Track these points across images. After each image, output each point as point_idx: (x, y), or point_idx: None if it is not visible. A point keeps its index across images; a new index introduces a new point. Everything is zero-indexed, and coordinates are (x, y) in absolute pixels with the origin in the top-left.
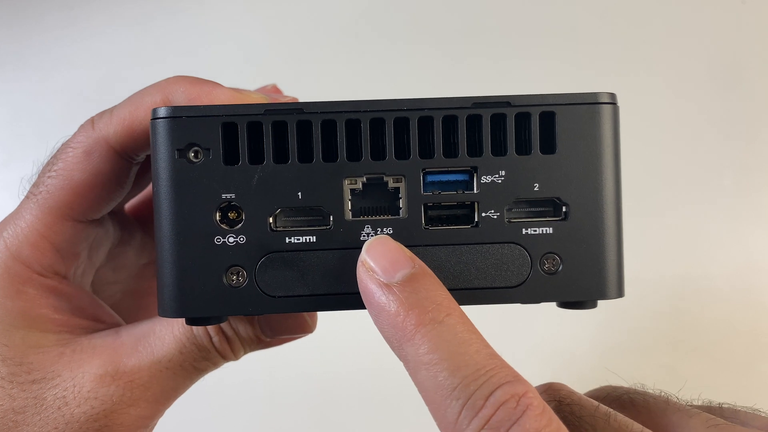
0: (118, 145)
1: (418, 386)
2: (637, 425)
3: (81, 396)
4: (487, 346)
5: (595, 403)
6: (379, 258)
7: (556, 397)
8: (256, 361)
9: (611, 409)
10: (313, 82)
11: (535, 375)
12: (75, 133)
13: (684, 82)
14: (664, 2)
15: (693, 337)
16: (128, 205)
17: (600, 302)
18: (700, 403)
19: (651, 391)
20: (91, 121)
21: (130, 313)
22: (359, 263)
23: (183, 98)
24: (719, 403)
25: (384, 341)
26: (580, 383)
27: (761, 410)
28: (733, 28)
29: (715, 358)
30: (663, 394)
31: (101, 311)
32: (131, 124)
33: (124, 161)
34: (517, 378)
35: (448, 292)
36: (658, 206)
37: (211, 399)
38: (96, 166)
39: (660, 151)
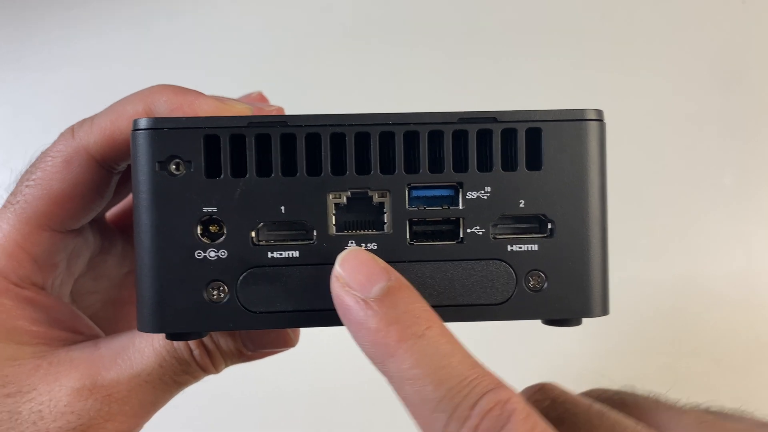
0: (99, 154)
1: (404, 401)
2: (630, 421)
3: (57, 410)
4: (469, 355)
5: (589, 400)
6: (354, 272)
7: (550, 395)
8: (245, 372)
9: (605, 407)
10: (313, 82)
11: (532, 378)
12: (55, 142)
13: (684, 82)
14: (665, 2)
15: (692, 337)
16: (109, 214)
17: None
18: (687, 405)
19: (640, 392)
20: (71, 130)
21: (110, 322)
22: (333, 278)
23: (165, 108)
24: (707, 407)
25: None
26: (577, 385)
27: (747, 411)
28: (734, 28)
29: (715, 359)
30: (652, 394)
31: (79, 322)
32: (112, 133)
33: (104, 171)
34: (499, 385)
35: (425, 302)
36: (658, 206)
37: (198, 408)
38: (75, 175)
39: (660, 151)
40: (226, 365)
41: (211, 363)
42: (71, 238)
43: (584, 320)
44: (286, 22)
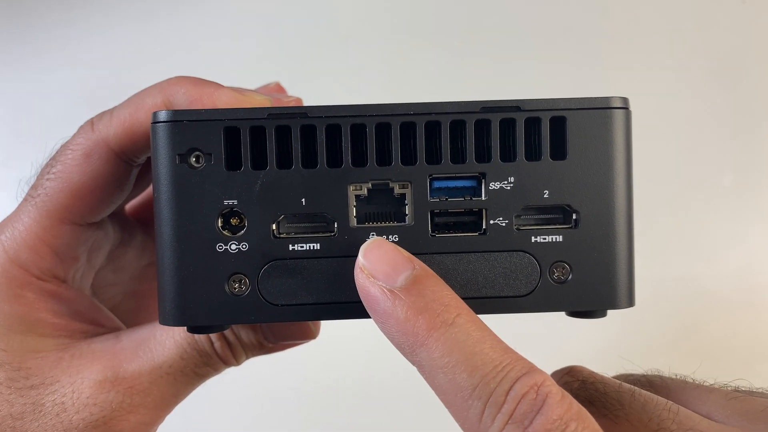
0: (118, 147)
1: (437, 390)
2: (661, 398)
3: (80, 402)
4: (499, 341)
5: (618, 381)
6: (378, 262)
7: (579, 377)
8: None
9: (634, 386)
10: (315, 79)
11: None
12: (74, 135)
13: (684, 82)
14: (665, 2)
15: (693, 337)
16: (129, 206)
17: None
18: (715, 384)
19: (667, 374)
20: (91, 123)
21: (130, 315)
22: (357, 269)
23: (184, 100)
24: (735, 386)
25: (381, 346)
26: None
27: None
28: (734, 28)
29: (715, 358)
30: (679, 375)
31: (100, 315)
32: (131, 126)
33: (124, 163)
34: (532, 369)
35: (451, 290)
36: (658, 206)
37: (211, 403)
38: (95, 168)
39: (660, 151)
40: (247, 357)
41: (232, 355)
42: (92, 231)
43: (581, 320)
44: (289, 22)
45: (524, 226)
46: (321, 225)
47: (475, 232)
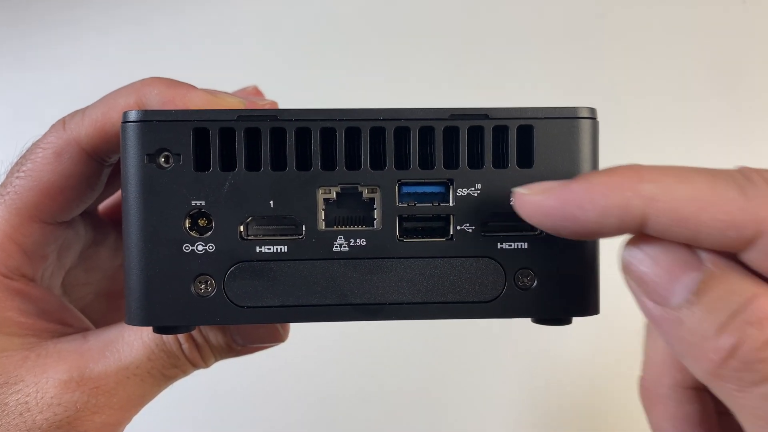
0: (90, 147)
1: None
2: None
3: (44, 402)
4: None
5: None
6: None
7: None
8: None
9: None
10: (313, 82)
11: (529, 379)
12: (45, 133)
13: (684, 82)
14: (665, 2)
15: None
16: (102, 206)
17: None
18: None
19: None
20: (63, 122)
21: (102, 315)
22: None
23: (157, 100)
24: None
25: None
26: (572, 387)
27: None
28: (734, 29)
29: None
30: None
31: (69, 315)
32: (103, 126)
33: (95, 163)
34: None
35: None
36: None
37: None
38: (66, 167)
39: (660, 152)
40: (216, 360)
41: (201, 357)
42: (62, 230)
43: (580, 320)
44: (286, 23)
45: (491, 232)
46: (289, 228)
47: (443, 238)
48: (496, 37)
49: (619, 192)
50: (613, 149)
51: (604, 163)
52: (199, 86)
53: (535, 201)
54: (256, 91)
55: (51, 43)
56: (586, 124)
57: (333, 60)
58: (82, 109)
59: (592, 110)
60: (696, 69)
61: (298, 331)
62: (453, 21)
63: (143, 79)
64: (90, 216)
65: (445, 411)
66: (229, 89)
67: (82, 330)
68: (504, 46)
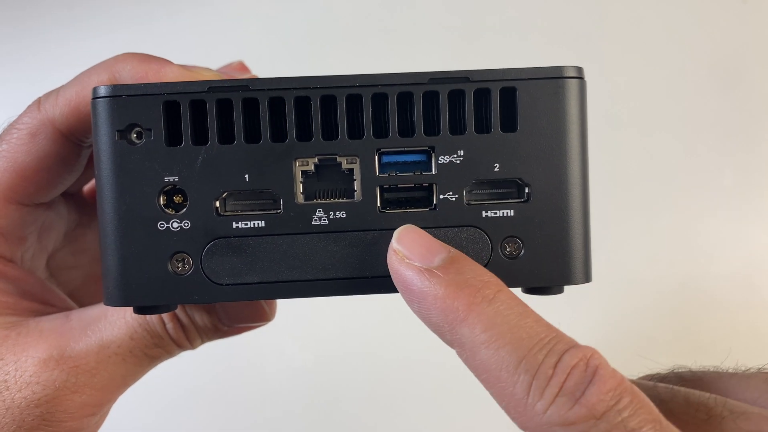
0: (64, 127)
1: (478, 368)
2: (703, 393)
3: (22, 380)
4: (541, 317)
5: (651, 382)
6: (413, 245)
7: None
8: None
9: (669, 385)
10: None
11: None
12: (21, 114)
13: (684, 81)
14: (665, 2)
15: (692, 336)
16: (86, 188)
17: (599, 302)
18: (749, 369)
19: (695, 368)
20: (38, 102)
21: (91, 298)
22: (391, 252)
23: (130, 76)
24: (758, 368)
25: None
26: None
27: None
28: (734, 28)
29: (715, 358)
30: (709, 366)
31: (52, 295)
32: (78, 105)
33: (71, 144)
34: (578, 344)
35: (489, 270)
36: (658, 206)
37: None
38: (41, 148)
39: (660, 151)
40: (203, 341)
41: (186, 338)
42: (41, 211)
43: (580, 319)
44: (286, 23)
45: (475, 200)
46: (266, 202)
47: (426, 208)
48: (495, 33)
49: (443, 319)
50: (614, 149)
51: (601, 132)
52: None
53: (402, 276)
54: (242, 67)
55: (51, 43)
56: (572, 84)
57: (333, 60)
58: (56, 89)
59: (579, 69)
60: (696, 68)
61: (299, 332)
62: (452, 18)
63: (117, 56)
64: (74, 198)
65: (445, 398)
66: None
67: (65, 310)
68: (503, 45)
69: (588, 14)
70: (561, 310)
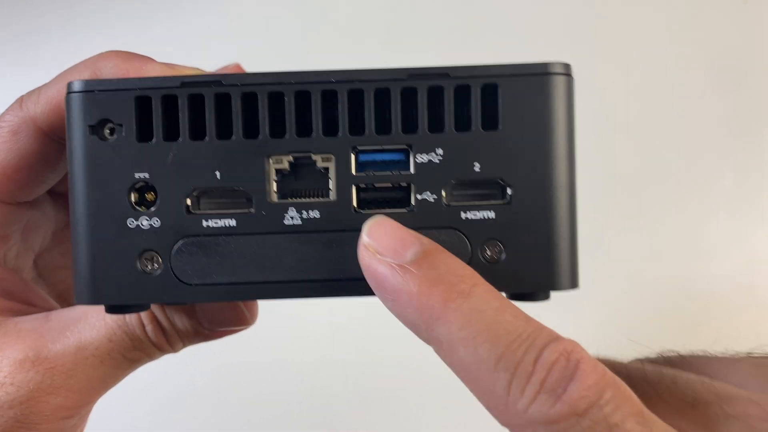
0: (46, 125)
1: (457, 366)
2: (691, 374)
3: None
4: (520, 310)
5: (640, 365)
6: (384, 239)
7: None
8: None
9: (658, 367)
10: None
11: None
12: (3, 113)
13: (684, 82)
14: (665, 2)
15: (693, 337)
16: None
17: (599, 301)
18: (738, 353)
19: (684, 352)
20: (20, 101)
21: None
22: (361, 247)
23: (112, 74)
24: (760, 353)
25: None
26: None
27: None
28: (734, 28)
29: None
30: (695, 351)
31: (34, 295)
32: (59, 103)
33: (53, 142)
34: (558, 336)
35: (464, 263)
36: (658, 206)
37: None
38: (23, 146)
39: (660, 151)
40: (184, 345)
41: (167, 341)
42: (24, 210)
43: (581, 318)
44: (286, 23)
45: (454, 201)
46: (238, 201)
47: (403, 208)
48: (493, 33)
49: (418, 317)
50: (613, 150)
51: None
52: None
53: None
54: (239, 69)
55: (51, 42)
56: (559, 81)
57: (332, 60)
58: (38, 87)
59: (566, 66)
60: (696, 68)
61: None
62: (450, 15)
63: (100, 53)
64: (62, 198)
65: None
66: None
67: (48, 310)
68: (503, 44)
69: (588, 14)
70: (559, 311)
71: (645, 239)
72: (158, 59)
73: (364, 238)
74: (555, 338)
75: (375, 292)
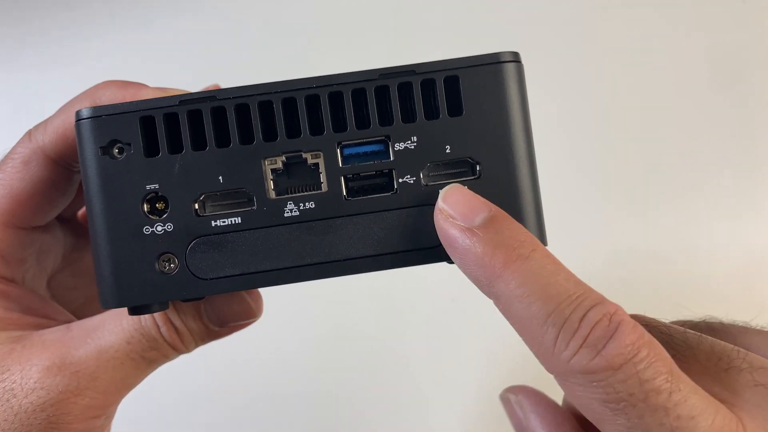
0: (54, 153)
1: (512, 320)
2: (728, 344)
3: (28, 387)
4: (573, 274)
5: (682, 328)
6: (456, 205)
7: (642, 321)
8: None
9: (699, 333)
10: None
11: (522, 371)
12: (14, 146)
13: (684, 81)
14: (665, 2)
15: None
16: (80, 213)
17: None
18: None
19: (726, 320)
20: (29, 134)
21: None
22: (437, 211)
23: (110, 101)
24: None
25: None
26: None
27: None
28: (734, 28)
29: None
30: (736, 321)
31: (53, 310)
32: (65, 132)
33: (62, 169)
34: (605, 299)
35: (526, 230)
36: (658, 205)
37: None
38: (34, 174)
39: (660, 150)
40: (197, 344)
41: (180, 341)
42: (37, 235)
43: None
44: (285, 24)
45: (432, 181)
46: (241, 200)
47: (388, 192)
48: (491, 37)
49: (481, 274)
50: (613, 148)
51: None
52: (200, 86)
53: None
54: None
55: (51, 43)
56: (510, 68)
57: (332, 59)
58: (45, 120)
59: (515, 54)
60: (695, 67)
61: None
62: (450, 15)
63: (97, 84)
64: (69, 223)
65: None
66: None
67: (67, 322)
68: (502, 45)
69: (587, 14)
70: None
71: (644, 238)
72: (158, 59)
73: (440, 203)
74: (601, 301)
75: (446, 250)
